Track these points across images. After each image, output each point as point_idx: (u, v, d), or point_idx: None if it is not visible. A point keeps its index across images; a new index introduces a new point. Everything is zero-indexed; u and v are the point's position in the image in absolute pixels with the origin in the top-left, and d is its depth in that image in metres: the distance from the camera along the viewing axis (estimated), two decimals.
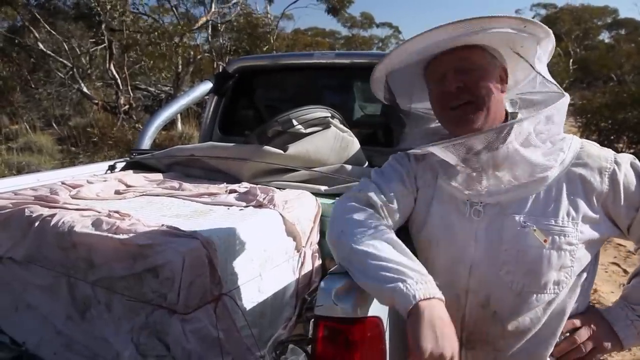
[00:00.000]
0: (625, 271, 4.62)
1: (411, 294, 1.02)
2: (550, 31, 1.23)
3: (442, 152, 1.23)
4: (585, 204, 1.20)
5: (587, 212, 1.20)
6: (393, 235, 1.22)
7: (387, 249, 1.14)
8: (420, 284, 1.05)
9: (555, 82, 1.26)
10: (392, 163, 1.43)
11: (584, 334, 1.26)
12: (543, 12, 36.38)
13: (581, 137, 1.30)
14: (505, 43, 1.26)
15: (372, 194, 1.32)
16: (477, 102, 1.22)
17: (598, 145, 1.28)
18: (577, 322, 1.27)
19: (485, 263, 1.24)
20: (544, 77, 1.26)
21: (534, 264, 1.20)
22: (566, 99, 1.23)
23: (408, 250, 1.17)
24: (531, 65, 1.27)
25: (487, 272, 1.24)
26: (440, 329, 1.00)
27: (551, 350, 1.26)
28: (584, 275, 1.26)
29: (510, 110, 1.35)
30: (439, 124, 1.40)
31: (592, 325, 1.26)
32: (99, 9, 9.75)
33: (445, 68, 1.24)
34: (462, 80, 1.21)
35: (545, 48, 1.27)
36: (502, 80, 1.28)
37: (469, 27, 1.16)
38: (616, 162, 1.22)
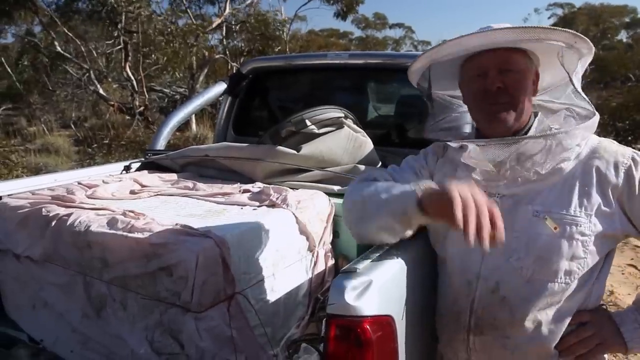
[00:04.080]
0: None
1: (412, 189, 1.13)
2: (594, 48, 1.26)
3: (481, 152, 1.27)
4: (600, 197, 1.21)
5: (600, 205, 1.21)
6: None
7: (390, 185, 1.26)
8: (420, 185, 1.14)
9: (588, 100, 1.28)
10: (407, 159, 1.52)
11: (590, 329, 1.27)
12: (560, 11, 35.96)
13: (598, 137, 1.31)
14: (548, 51, 1.28)
15: (379, 175, 1.44)
16: (512, 104, 1.26)
17: (617, 143, 1.29)
18: (585, 317, 1.27)
19: (497, 250, 1.26)
20: (580, 93, 1.29)
21: (544, 251, 1.22)
22: (597, 117, 1.25)
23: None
24: (571, 82, 1.29)
25: (498, 259, 1.27)
26: (451, 182, 1.05)
27: (557, 340, 1.26)
28: (597, 269, 1.26)
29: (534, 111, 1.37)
30: (458, 116, 1.49)
31: (599, 323, 1.27)
32: (113, 2, 9.80)
33: (488, 65, 1.27)
34: (502, 81, 1.25)
35: (585, 63, 1.30)
36: (534, 84, 1.31)
37: (528, 34, 1.20)
38: (633, 159, 1.22)
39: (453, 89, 1.47)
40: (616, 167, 1.22)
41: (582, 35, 1.21)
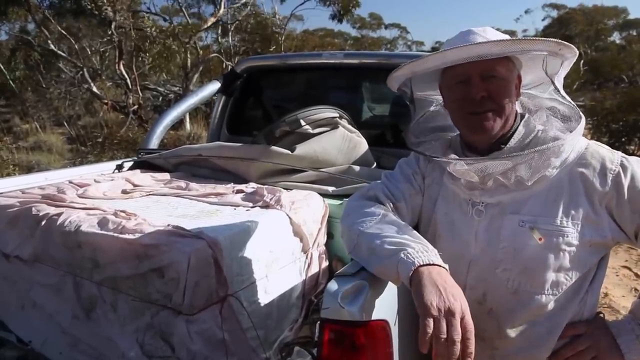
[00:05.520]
0: (636, 275, 4.56)
1: (411, 261, 1.05)
2: (577, 53, 1.24)
3: (465, 170, 1.24)
4: (587, 205, 1.18)
5: (588, 213, 1.18)
6: (398, 219, 1.26)
7: (392, 229, 1.19)
8: (421, 252, 1.07)
9: (573, 102, 1.26)
10: (401, 164, 1.47)
11: (585, 342, 1.23)
12: (554, 13, 36.10)
13: (591, 138, 1.28)
14: (531, 57, 1.26)
15: (379, 193, 1.38)
16: (497, 111, 1.23)
17: (607, 147, 1.25)
18: (580, 329, 1.24)
19: (483, 260, 1.25)
20: (564, 96, 1.27)
21: (530, 263, 1.20)
22: (583, 121, 1.22)
23: (414, 230, 1.20)
24: (554, 85, 1.28)
25: (485, 269, 1.25)
26: (442, 286, 1.00)
27: (549, 353, 1.24)
28: (588, 279, 1.23)
29: (520, 111, 1.35)
30: (442, 113, 1.44)
31: (595, 335, 1.24)
32: (93, 7, 9.75)
33: (470, 72, 1.23)
34: (486, 89, 1.22)
35: (568, 66, 1.28)
36: (516, 87, 1.29)
37: (515, 47, 1.18)
38: (622, 165, 1.19)
39: (434, 89, 1.44)
40: (603, 174, 1.18)
41: (567, 43, 1.19)
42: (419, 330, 0.96)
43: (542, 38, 1.17)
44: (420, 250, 1.08)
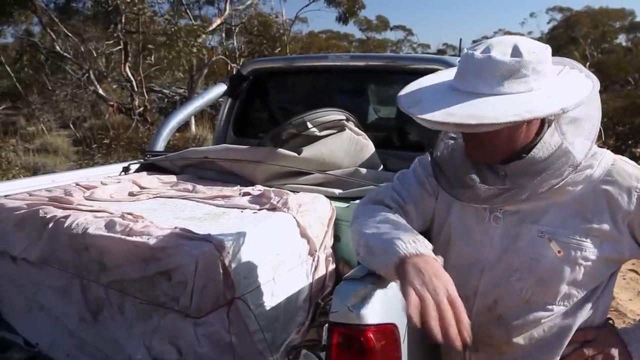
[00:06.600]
0: None
1: (397, 253, 1.04)
2: (597, 87, 1.16)
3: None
4: (610, 222, 1.16)
5: (610, 231, 1.16)
6: (399, 218, 1.24)
7: (387, 227, 1.17)
8: (410, 243, 1.06)
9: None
10: (415, 165, 1.43)
11: (595, 348, 1.22)
12: (559, 16, 36.00)
13: (597, 141, 1.23)
14: None
15: (387, 197, 1.35)
16: (488, 152, 1.20)
17: (633, 163, 1.22)
18: (590, 335, 1.23)
19: (498, 267, 1.23)
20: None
21: (546, 275, 1.18)
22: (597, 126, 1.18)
23: (408, 225, 1.18)
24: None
25: (498, 277, 1.23)
26: (425, 269, 0.99)
27: (558, 355, 1.23)
28: (599, 290, 1.23)
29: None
30: None
31: (605, 341, 1.23)
32: (117, 1, 9.79)
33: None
34: (477, 138, 1.17)
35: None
36: (529, 123, 1.18)
37: (493, 125, 1.08)
38: None
39: None
40: (629, 192, 1.16)
41: (576, 101, 1.08)
42: (409, 306, 0.95)
43: (536, 115, 1.06)
44: (409, 242, 1.06)
